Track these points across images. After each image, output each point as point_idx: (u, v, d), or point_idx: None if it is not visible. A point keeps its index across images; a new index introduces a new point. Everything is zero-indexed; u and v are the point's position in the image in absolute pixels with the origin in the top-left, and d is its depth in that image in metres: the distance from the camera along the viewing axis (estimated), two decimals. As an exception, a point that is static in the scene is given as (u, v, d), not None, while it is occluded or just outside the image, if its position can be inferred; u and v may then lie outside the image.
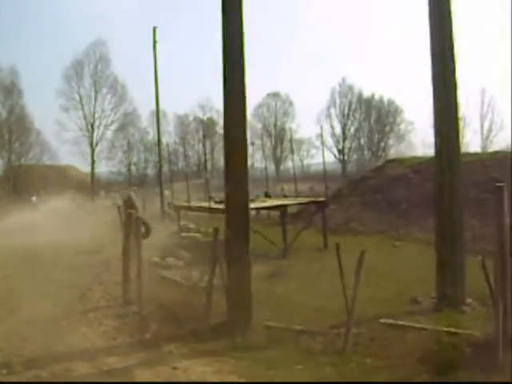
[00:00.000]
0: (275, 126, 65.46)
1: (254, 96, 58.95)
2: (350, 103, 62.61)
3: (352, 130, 63.27)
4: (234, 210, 8.82)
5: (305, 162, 64.96)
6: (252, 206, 12.47)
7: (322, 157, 25.60)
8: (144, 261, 10.32)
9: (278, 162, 65.01)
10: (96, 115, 53.55)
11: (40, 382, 6.51)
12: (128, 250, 10.74)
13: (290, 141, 48.19)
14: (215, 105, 59.14)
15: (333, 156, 61.39)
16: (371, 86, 63.99)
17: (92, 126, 53.34)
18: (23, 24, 74.92)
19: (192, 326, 8.52)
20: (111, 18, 73.23)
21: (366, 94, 62.85)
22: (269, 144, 65.01)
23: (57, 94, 52.98)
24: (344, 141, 62.64)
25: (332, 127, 61.93)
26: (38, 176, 48.22)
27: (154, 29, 30.10)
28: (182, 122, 64.50)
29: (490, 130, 57.37)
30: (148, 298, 9.52)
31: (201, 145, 64.77)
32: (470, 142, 53.52)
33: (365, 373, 6.55)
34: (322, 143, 31.80)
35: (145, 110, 70.51)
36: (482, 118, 57.31)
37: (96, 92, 53.48)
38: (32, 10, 75.70)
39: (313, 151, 64.21)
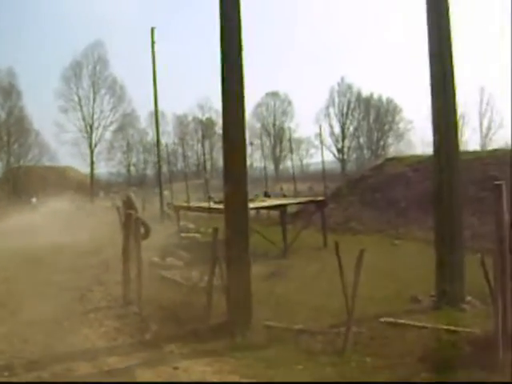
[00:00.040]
0: (274, 125, 65.47)
1: (252, 95, 59.03)
2: (349, 102, 62.64)
3: (351, 129, 63.33)
4: (233, 209, 8.82)
5: (304, 162, 65.03)
6: (251, 205, 12.48)
7: (321, 156, 25.62)
8: (144, 261, 10.33)
9: (277, 161, 65.00)
10: (95, 116, 53.62)
11: (41, 382, 6.51)
12: (128, 251, 10.75)
13: (289, 140, 48.31)
14: (214, 105, 59.25)
15: (332, 155, 61.47)
16: (370, 85, 64.25)
17: (91, 126, 53.36)
18: (21, 25, 74.87)
19: (192, 326, 8.53)
20: (109, 19, 73.05)
21: (365, 93, 62.99)
22: (268, 143, 65.06)
23: (55, 95, 53.05)
24: (343, 140, 62.67)
25: (331, 126, 62.01)
26: (37, 177, 48.19)
27: (152, 29, 30.12)
28: (180, 122, 64.51)
29: (489, 128, 57.51)
30: (148, 298, 9.53)
31: (200, 145, 64.77)
32: (469, 140, 53.77)
33: (365, 372, 6.56)
34: (321, 142, 31.71)
35: (144, 111, 70.65)
36: (481, 116, 57.43)
37: (95, 93, 53.51)
38: (29, 11, 75.62)
39: (312, 150, 64.29)
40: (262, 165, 49.05)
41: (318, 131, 70.32)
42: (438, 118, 9.97)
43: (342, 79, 61.61)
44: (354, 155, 64.60)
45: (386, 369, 6.61)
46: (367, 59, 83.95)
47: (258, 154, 60.32)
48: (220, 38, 8.90)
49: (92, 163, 53.59)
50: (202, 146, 64.60)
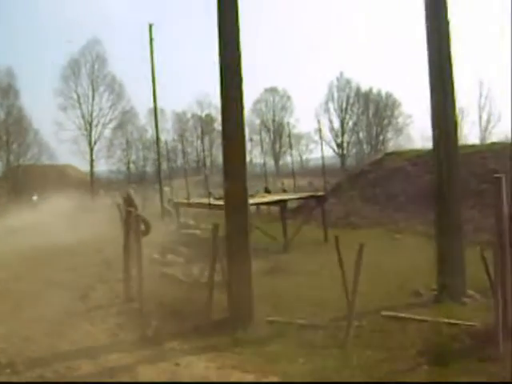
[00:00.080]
0: (273, 121, 65.45)
1: (251, 92, 59.09)
2: (348, 97, 62.56)
3: (350, 124, 63.25)
4: (234, 205, 8.83)
5: (304, 157, 65.04)
6: (251, 201, 12.49)
7: (321, 151, 25.66)
8: (144, 258, 10.34)
9: (276, 157, 65.00)
10: (94, 114, 53.49)
11: (42, 382, 6.51)
12: (128, 248, 10.78)
13: (289, 136, 48.20)
14: (213, 101, 59.12)
15: (332, 150, 61.44)
16: (369, 80, 64.14)
17: (90, 124, 53.26)
18: (18, 24, 74.71)
19: (194, 322, 8.55)
20: (107, 16, 73.03)
21: (364, 87, 62.90)
22: (267, 139, 64.97)
23: (54, 93, 52.95)
24: (343, 135, 62.63)
25: (330, 121, 61.97)
26: (37, 176, 48.10)
27: (150, 26, 30.04)
28: (180, 119, 64.50)
29: (488, 122, 57.43)
30: (149, 294, 9.55)
31: (199, 141, 64.68)
32: (469, 133, 53.70)
33: (366, 365, 6.58)
34: (321, 138, 31.83)
35: (143, 108, 70.51)
36: (480, 109, 57.35)
37: (93, 91, 53.40)
38: (26, 9, 75.46)
39: (312, 146, 64.23)
40: (262, 161, 49.10)
41: (317, 126, 70.20)
42: (437, 112, 9.97)
43: (341, 74, 61.60)
44: (354, 150, 64.58)
45: (386, 361, 6.64)
46: (366, 54, 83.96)
47: (257, 150, 60.24)
48: (218, 35, 8.88)
49: (92, 161, 53.57)
50: (202, 142, 64.49)
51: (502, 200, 6.94)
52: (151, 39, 29.91)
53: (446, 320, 7.93)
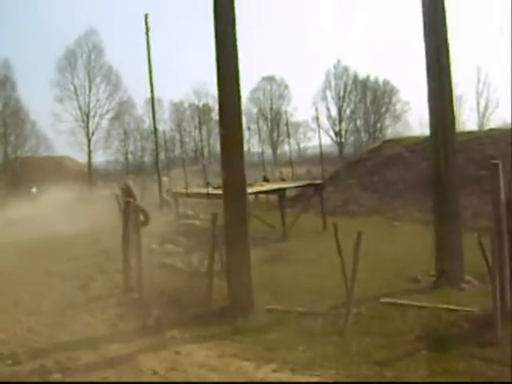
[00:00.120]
0: (271, 109, 65.21)
1: (248, 80, 58.83)
2: (346, 85, 62.28)
3: (348, 111, 62.99)
4: (232, 195, 8.84)
5: (302, 146, 64.92)
6: (250, 190, 12.50)
7: (319, 139, 25.55)
8: (144, 248, 10.36)
9: (274, 146, 64.87)
10: (91, 105, 53.18)
11: (43, 382, 6.52)
12: (127, 238, 10.81)
13: (287, 124, 48.07)
14: (210, 91, 58.84)
15: (329, 138, 61.26)
16: (366, 68, 63.88)
17: (87, 115, 53.00)
18: (14, 15, 74.24)
19: (194, 311, 8.60)
20: (102, 6, 72.45)
21: (361, 75, 62.67)
22: (265, 128, 64.80)
23: (51, 84, 52.67)
24: (340, 123, 62.44)
25: (328, 109, 61.74)
26: (34, 168, 48.00)
27: (146, 16, 29.91)
28: (177, 109, 64.24)
29: (486, 108, 57.31)
30: (149, 284, 9.58)
31: (197, 131, 64.54)
32: (467, 120, 53.60)
33: (365, 351, 6.62)
34: (319, 126, 31.60)
35: (140, 98, 70.28)
36: (478, 95, 57.21)
37: (90, 82, 53.06)
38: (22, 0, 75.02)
39: (309, 134, 63.99)
40: (260, 150, 49.08)
41: (315, 114, 69.91)
42: (434, 97, 9.96)
43: (338, 62, 61.31)
44: (352, 138, 64.40)
45: (385, 348, 6.68)
46: (363, 41, 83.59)
47: (255, 139, 60.15)
48: (214, 24, 8.85)
49: (89, 152, 53.41)
50: (200, 132, 64.36)
51: (500, 186, 6.97)
52: (147, 29, 29.81)
53: (445, 306, 7.96)
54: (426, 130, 18.75)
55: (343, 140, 62.78)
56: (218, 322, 8.06)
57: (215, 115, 53.90)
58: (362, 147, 53.66)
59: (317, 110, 59.15)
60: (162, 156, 32.34)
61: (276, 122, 64.88)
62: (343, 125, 62.65)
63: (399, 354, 6.50)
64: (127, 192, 14.75)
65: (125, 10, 79.63)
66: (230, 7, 8.76)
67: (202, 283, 9.27)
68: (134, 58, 43.74)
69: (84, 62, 52.86)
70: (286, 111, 56.74)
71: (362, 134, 64.67)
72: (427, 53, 9.96)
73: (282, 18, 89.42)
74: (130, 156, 60.62)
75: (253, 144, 59.60)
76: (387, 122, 64.21)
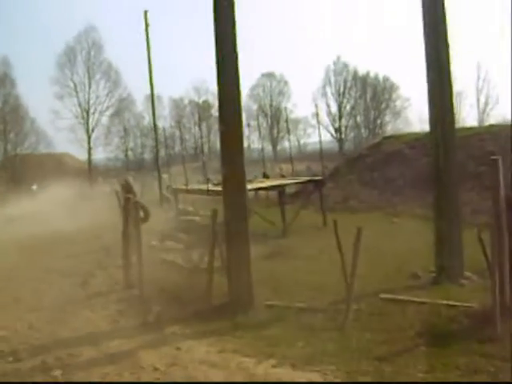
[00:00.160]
0: (271, 106, 65.21)
1: (248, 77, 58.76)
2: (345, 81, 62.26)
3: (348, 107, 62.99)
4: (232, 191, 8.85)
5: (302, 142, 64.93)
6: (250, 186, 12.52)
7: (319, 136, 25.53)
8: (144, 245, 10.37)
9: (274, 142, 64.89)
10: (91, 102, 53.22)
11: (45, 382, 6.54)
12: (127, 235, 10.83)
13: (286, 121, 48.03)
14: (210, 87, 58.82)
15: (329, 135, 61.25)
16: (366, 64, 63.74)
17: (87, 112, 53.03)
18: (13, 12, 74.11)
19: (194, 307, 8.61)
20: (102, 2, 72.41)
21: (361, 71, 62.63)
22: (265, 125, 64.85)
23: (51, 81, 52.67)
24: (340, 119, 62.43)
25: (328, 106, 61.74)
26: (34, 165, 48.01)
27: (145, 12, 29.84)
28: (177, 105, 64.24)
29: (486, 104, 57.28)
30: (149, 281, 9.58)
31: (197, 128, 64.56)
32: (467, 116, 53.62)
33: (365, 347, 6.64)
34: (318, 122, 31.49)
35: (140, 95, 70.40)
36: (478, 92, 57.18)
37: (90, 78, 53.07)
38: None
39: (309, 130, 63.99)
40: (260, 146, 49.04)
41: (315, 111, 69.81)
42: (434, 93, 9.96)
43: (338, 58, 61.28)
44: (352, 134, 64.41)
45: (385, 343, 6.69)
46: (363, 37, 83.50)
47: (255, 136, 60.24)
48: (214, 21, 8.83)
49: (89, 149, 53.40)
50: (199, 128, 64.39)
51: (499, 182, 6.97)
52: (147, 25, 29.74)
53: (445, 302, 7.98)
54: (426, 127, 18.70)
55: (343, 136, 62.79)
56: (218, 317, 8.08)
57: (215, 112, 53.85)
58: (361, 143, 53.66)
59: (317, 106, 59.04)
60: (161, 153, 32.33)
61: (276, 119, 64.87)
62: (343, 121, 62.66)
63: (399, 349, 6.51)
64: (127, 188, 14.76)
65: (124, 7, 79.43)
66: (230, 3, 8.74)
67: (202, 279, 9.28)
68: (134, 54, 43.82)
69: (83, 59, 52.92)
70: (285, 108, 56.79)
71: (362, 131, 64.68)
72: (427, 50, 9.95)
73: (282, 14, 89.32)
74: (129, 153, 60.70)
75: (253, 140, 59.76)
76: (387, 118, 64.25)
